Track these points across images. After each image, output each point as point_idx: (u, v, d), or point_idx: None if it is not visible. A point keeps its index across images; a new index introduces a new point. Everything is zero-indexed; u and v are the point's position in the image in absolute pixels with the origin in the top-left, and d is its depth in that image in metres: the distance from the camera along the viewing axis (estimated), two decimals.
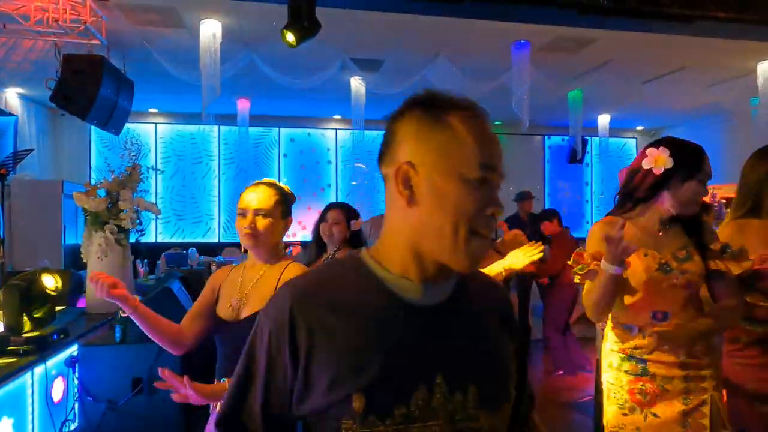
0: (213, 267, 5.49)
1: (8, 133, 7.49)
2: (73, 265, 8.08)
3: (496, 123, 10.08)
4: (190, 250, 7.83)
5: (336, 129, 9.69)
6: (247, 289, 1.84)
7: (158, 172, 4.34)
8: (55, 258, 7.46)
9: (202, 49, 4.84)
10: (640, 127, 10.55)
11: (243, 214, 1.83)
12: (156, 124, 9.08)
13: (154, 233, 8.79)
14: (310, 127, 9.57)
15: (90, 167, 8.79)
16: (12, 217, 6.18)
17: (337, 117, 9.49)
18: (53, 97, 4.82)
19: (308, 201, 9.52)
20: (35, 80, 7.11)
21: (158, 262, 6.48)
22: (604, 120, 8.85)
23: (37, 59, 5.80)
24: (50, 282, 2.81)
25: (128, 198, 3.89)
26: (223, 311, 1.87)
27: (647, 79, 6.74)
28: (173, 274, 3.63)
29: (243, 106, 8.06)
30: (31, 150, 3.61)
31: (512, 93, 5.52)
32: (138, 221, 4.06)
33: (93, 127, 8.82)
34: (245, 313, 1.80)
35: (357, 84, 6.51)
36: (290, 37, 3.87)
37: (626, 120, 8.72)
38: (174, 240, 8.90)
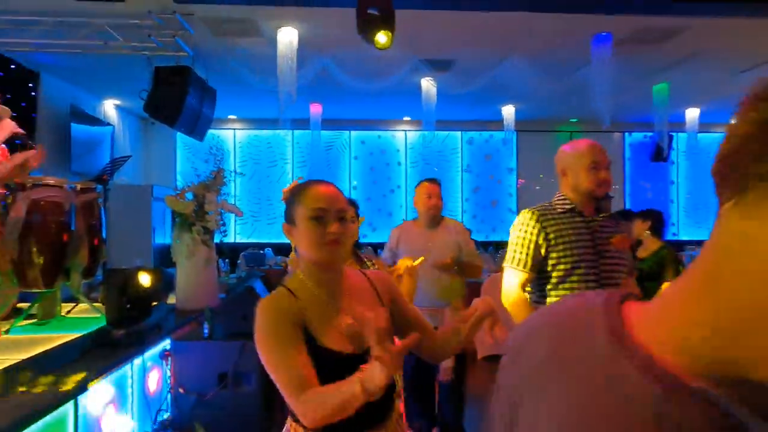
0: (290, 267, 5.66)
1: (106, 141, 8.17)
2: (161, 264, 8.68)
3: (572, 120, 9.68)
4: (265, 250, 8.16)
5: (405, 131, 9.71)
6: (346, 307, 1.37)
7: (239, 175, 4.49)
8: (146, 257, 8.04)
9: (279, 57, 5.01)
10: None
11: (320, 218, 1.27)
12: (234, 129, 9.53)
13: (233, 234, 9.23)
14: (380, 129, 9.66)
15: (176, 172, 9.36)
16: (109, 219, 6.72)
17: (407, 119, 9.51)
18: (146, 106, 5.18)
19: (378, 202, 9.63)
20: (129, 92, 7.72)
21: (238, 261, 6.78)
22: (692, 114, 8.25)
23: (131, 72, 6.27)
24: (146, 279, 3.01)
25: (213, 201, 4.09)
26: (334, 341, 1.30)
27: (744, 68, 6.20)
28: (254, 274, 3.78)
29: (315, 110, 8.27)
30: (129, 156, 3.90)
31: (592, 89, 5.27)
32: (221, 222, 4.27)
33: (178, 134, 9.46)
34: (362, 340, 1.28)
35: (428, 84, 6.49)
36: (382, 38, 3.91)
37: (718, 113, 8.08)
38: (250, 240, 9.29)
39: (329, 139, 9.53)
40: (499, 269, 5.44)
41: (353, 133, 9.68)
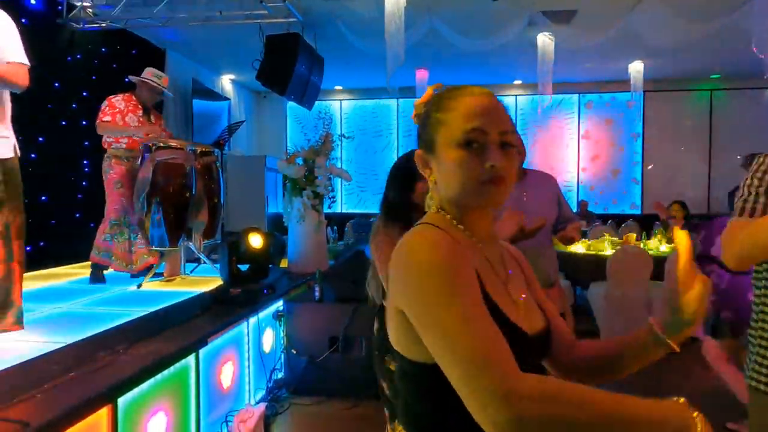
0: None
1: (223, 114, 8.64)
2: (273, 230, 9.14)
3: (713, 77, 8.44)
4: (371, 220, 8.17)
5: (516, 96, 9.12)
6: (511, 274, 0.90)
7: (347, 138, 4.42)
8: (260, 224, 8.50)
9: (387, 15, 4.81)
10: None
11: (476, 143, 0.80)
12: (341, 101, 9.58)
13: (340, 204, 9.39)
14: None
15: (286, 143, 9.66)
16: (226, 188, 7.12)
17: (518, 82, 8.91)
18: (258, 75, 5.28)
19: None
20: (244, 66, 8.02)
21: (345, 229, 6.85)
22: None
23: (246, 45, 6.45)
24: (256, 241, 3.04)
25: (322, 165, 4.06)
26: (516, 315, 0.81)
27: None
28: (362, 240, 3.69)
29: (421, 76, 8.01)
30: (243, 122, 3.98)
31: (751, 33, 4.43)
32: (330, 188, 4.25)
33: (288, 106, 9.74)
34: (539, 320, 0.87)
35: (545, 41, 5.93)
36: None
37: None
38: (356, 211, 9.39)
39: None
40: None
41: None
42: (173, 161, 3.16)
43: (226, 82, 8.58)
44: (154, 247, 3.28)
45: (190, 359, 2.17)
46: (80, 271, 4.10)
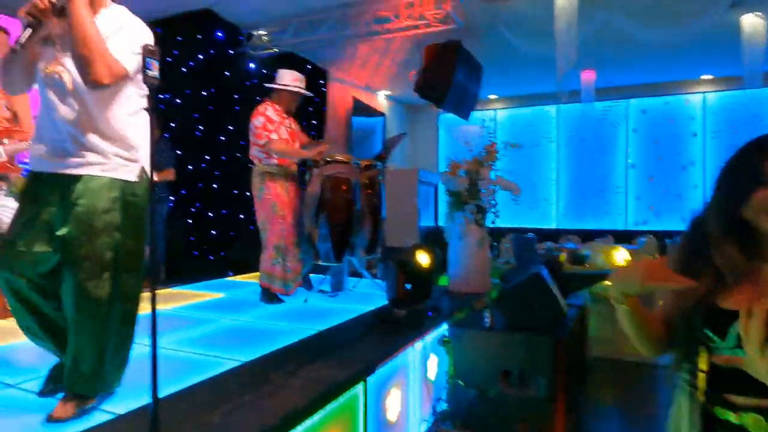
0: (563, 255, 5.02)
1: (378, 130, 8.84)
2: (426, 245, 9.05)
3: None
4: (528, 235, 7.61)
5: (704, 93, 7.84)
6: None
7: (513, 147, 4.05)
8: (412, 238, 8.48)
9: (557, 10, 4.37)
10: None
11: None
12: (495, 110, 9.19)
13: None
14: (667, 95, 8.02)
15: (438, 156, 9.55)
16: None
17: (707, 77, 7.64)
18: (417, 88, 5.19)
19: (664, 182, 8.05)
20: (398, 81, 8.14)
21: (505, 245, 6.42)
22: None
23: (401, 59, 6.48)
24: (424, 259, 2.84)
25: (487, 176, 3.76)
26: None
27: None
28: (535, 259, 3.30)
29: (587, 77, 7.27)
30: (404, 134, 3.86)
31: None
32: (494, 201, 3.92)
33: (441, 118, 9.65)
34: None
35: (754, 22, 4.91)
36: None
37: None
38: (510, 225, 8.86)
39: (601, 111, 8.37)
40: None
41: (632, 101, 8.28)
42: (339, 175, 3.13)
43: (381, 98, 8.77)
44: (320, 262, 3.28)
45: (359, 388, 2.02)
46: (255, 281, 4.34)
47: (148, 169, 1.69)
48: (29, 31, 1.50)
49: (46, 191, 1.64)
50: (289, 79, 3.38)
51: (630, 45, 5.79)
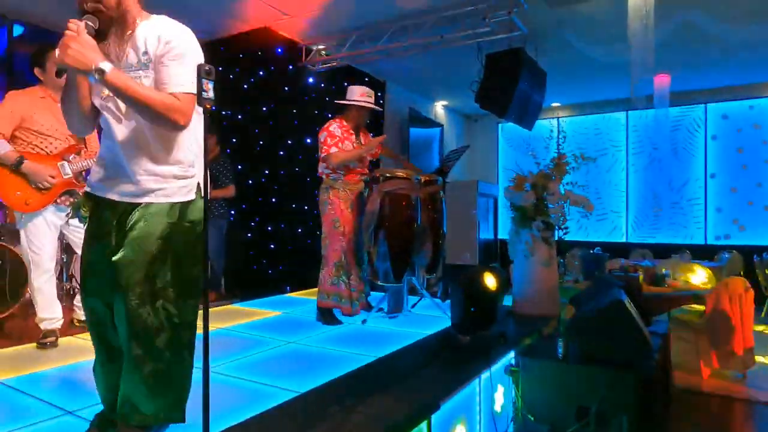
0: (640, 274, 4.63)
1: (435, 140, 8.67)
2: (486, 260, 8.73)
3: None
4: (595, 250, 7.17)
5: None
6: None
7: (586, 160, 3.78)
8: (471, 253, 8.21)
9: (631, 11, 4.06)
10: None
11: None
12: (558, 118, 8.80)
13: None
14: (752, 98, 7.37)
15: (498, 167, 9.26)
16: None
17: None
18: (478, 98, 5.00)
19: (748, 194, 7.37)
20: (456, 91, 7.95)
21: (568, 260, 6.06)
22: None
23: (462, 69, 6.31)
24: (491, 282, 2.65)
25: (555, 191, 3.51)
26: None
27: None
28: (610, 281, 3.01)
29: (661, 82, 6.79)
30: (467, 146, 3.70)
31: None
32: (563, 218, 3.66)
33: (500, 128, 9.36)
34: None
35: None
36: None
37: None
38: (575, 239, 8.41)
39: (676, 117, 7.81)
40: None
41: (710, 105, 7.67)
42: (400, 192, 3.00)
43: (438, 109, 8.61)
44: (379, 282, 3.15)
45: (422, 428, 1.86)
46: (312, 298, 4.27)
47: (200, 181, 1.62)
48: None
49: (106, 216, 1.61)
50: (357, 95, 3.35)
51: (709, 45, 5.35)
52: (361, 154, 3.21)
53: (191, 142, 1.64)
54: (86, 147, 2.93)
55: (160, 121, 1.50)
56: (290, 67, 5.44)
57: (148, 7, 1.65)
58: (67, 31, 1.41)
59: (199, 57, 1.56)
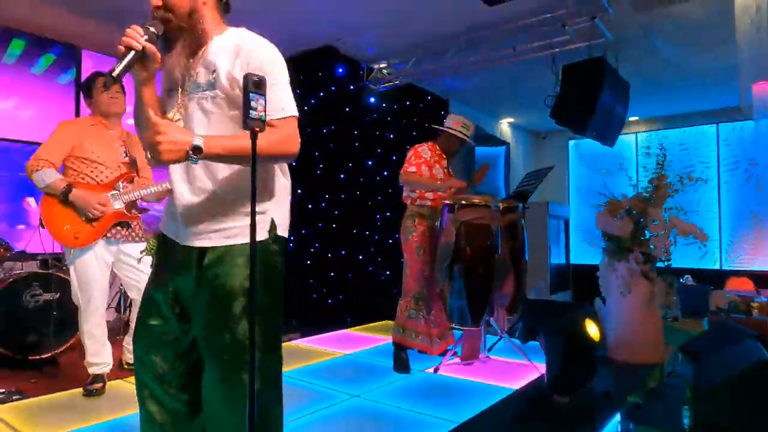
0: (754, 311, 3.97)
1: (501, 159, 8.22)
2: (558, 287, 8.11)
3: None
4: (684, 279, 6.42)
5: None
6: None
7: (692, 181, 3.27)
8: (543, 278, 7.64)
9: (738, 12, 3.53)
10: None
11: None
12: (637, 134, 8.12)
13: None
14: None
15: (568, 187, 8.66)
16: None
17: None
18: (554, 113, 4.56)
19: None
20: (523, 107, 7.51)
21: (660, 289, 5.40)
22: None
23: (530, 84, 5.89)
24: (593, 330, 2.22)
25: (658, 217, 3.02)
26: None
27: None
28: (738, 329, 2.47)
29: (761, 90, 6.04)
30: (552, 168, 3.27)
31: None
32: (663, 250, 3.14)
33: (571, 146, 8.77)
34: None
35: None
36: None
37: None
38: (659, 264, 7.63)
39: None
40: None
41: None
42: (477, 221, 2.63)
43: (504, 126, 8.18)
44: (453, 324, 2.77)
45: None
46: (378, 335, 3.95)
47: (278, 217, 1.40)
48: (123, 63, 1.23)
49: (176, 259, 1.40)
50: (452, 123, 3.18)
51: None
52: (436, 188, 2.93)
53: (265, 174, 1.40)
54: (138, 174, 2.78)
55: (272, 162, 1.37)
56: (351, 87, 5.24)
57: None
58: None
59: (287, 73, 1.39)
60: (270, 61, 1.34)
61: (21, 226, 3.85)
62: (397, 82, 5.29)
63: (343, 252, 5.15)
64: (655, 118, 7.96)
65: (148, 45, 1.24)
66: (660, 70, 5.52)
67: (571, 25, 3.85)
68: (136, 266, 2.67)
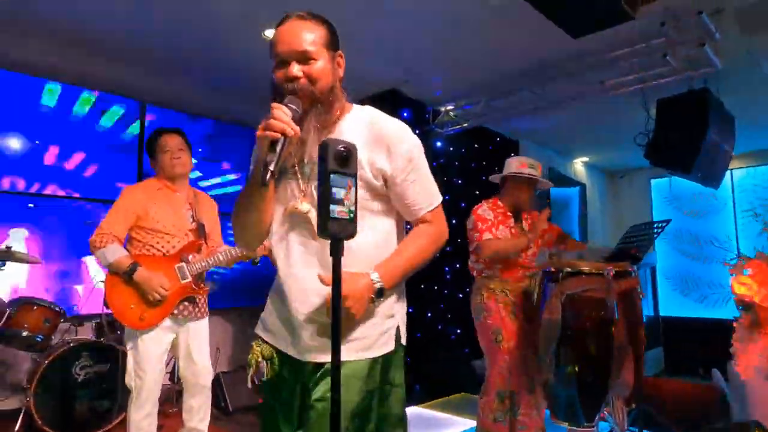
0: None
1: (574, 201, 7.61)
2: (647, 344, 7.27)
3: None
4: None
5: None
6: None
7: None
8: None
9: None
10: None
11: None
12: (731, 170, 7.29)
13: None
14: None
15: None
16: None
17: None
18: (649, 153, 4.02)
19: None
20: (600, 145, 6.93)
21: None
22: None
23: (609, 118, 5.38)
24: None
25: None
26: None
27: None
28: None
29: None
30: (668, 221, 2.74)
31: None
32: None
33: (654, 185, 8.02)
34: None
35: None
36: None
37: None
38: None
39: None
40: None
41: None
42: (588, 294, 2.14)
43: (578, 166, 7.60)
44: (560, 420, 2.25)
45: None
46: (455, 415, 3.43)
47: (403, 326, 1.24)
48: (276, 154, 1.04)
49: (284, 376, 1.20)
50: (514, 167, 2.68)
51: None
52: (522, 244, 2.48)
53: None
54: (206, 241, 2.53)
55: (430, 259, 1.30)
56: (416, 131, 4.91)
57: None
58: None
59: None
60: (418, 148, 1.24)
61: (78, 286, 3.71)
62: (465, 124, 4.93)
63: (411, 310, 4.71)
64: (751, 153, 7.14)
65: (297, 128, 1.06)
66: (762, 100, 4.89)
67: (674, 54, 3.35)
68: (193, 357, 2.44)
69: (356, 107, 1.29)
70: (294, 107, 1.11)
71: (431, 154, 4.99)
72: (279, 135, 1.03)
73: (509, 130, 5.86)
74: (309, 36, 1.16)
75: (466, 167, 5.31)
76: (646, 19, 3.25)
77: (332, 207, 0.69)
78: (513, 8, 3.20)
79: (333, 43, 1.22)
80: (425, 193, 1.25)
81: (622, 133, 5.51)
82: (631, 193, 8.08)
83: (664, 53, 3.35)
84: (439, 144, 5.13)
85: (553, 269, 2.24)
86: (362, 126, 1.20)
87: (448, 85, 4.59)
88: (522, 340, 2.30)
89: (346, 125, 1.22)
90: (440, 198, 1.31)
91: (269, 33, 3.55)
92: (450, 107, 4.90)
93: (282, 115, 1.05)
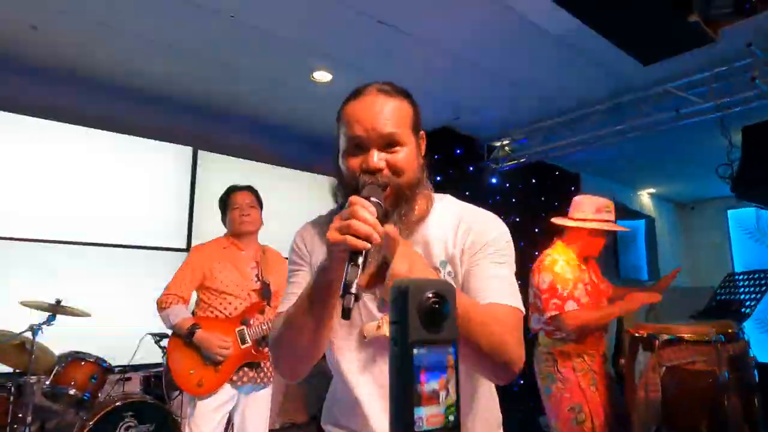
0: None
1: (640, 235, 7.09)
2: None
3: None
4: None
5: None
6: None
7: None
8: None
9: None
10: None
11: None
12: None
13: None
14: None
15: (732, 265, 7.18)
16: None
17: None
18: (736, 186, 3.60)
19: None
20: (669, 175, 6.44)
21: None
22: None
23: (681, 147, 4.96)
24: None
25: None
26: None
27: None
28: None
29: None
30: None
31: None
32: None
33: (731, 216, 7.37)
34: None
35: None
36: None
37: None
38: None
39: None
40: None
41: None
42: (692, 366, 1.80)
43: (644, 197, 7.10)
44: None
45: None
46: None
47: None
48: (361, 268, 0.75)
49: None
50: (590, 210, 2.31)
51: None
52: (614, 316, 2.09)
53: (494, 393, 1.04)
54: (270, 302, 2.39)
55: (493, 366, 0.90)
56: (470, 168, 4.69)
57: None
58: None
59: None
60: (511, 246, 0.98)
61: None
62: (522, 159, 4.65)
63: None
64: None
65: (383, 230, 0.80)
66: None
67: (763, 78, 3.00)
68: (247, 430, 2.28)
69: (436, 197, 1.05)
70: (378, 201, 0.84)
71: (486, 192, 4.74)
72: (366, 244, 0.75)
73: (568, 163, 5.52)
74: (395, 116, 0.94)
75: (524, 203, 5.01)
76: (726, 39, 2.93)
77: (417, 413, 0.32)
78: (574, 36, 2.96)
79: (418, 124, 1.01)
80: (504, 294, 0.93)
81: (695, 162, 5.07)
82: (704, 224, 7.44)
83: (753, 76, 2.99)
84: (494, 180, 4.87)
85: (644, 334, 1.90)
86: (452, 226, 0.97)
87: (504, 120, 4.36)
88: (605, 419, 1.91)
89: (433, 226, 0.98)
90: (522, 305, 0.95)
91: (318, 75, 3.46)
92: (505, 142, 4.65)
93: (368, 216, 0.78)
